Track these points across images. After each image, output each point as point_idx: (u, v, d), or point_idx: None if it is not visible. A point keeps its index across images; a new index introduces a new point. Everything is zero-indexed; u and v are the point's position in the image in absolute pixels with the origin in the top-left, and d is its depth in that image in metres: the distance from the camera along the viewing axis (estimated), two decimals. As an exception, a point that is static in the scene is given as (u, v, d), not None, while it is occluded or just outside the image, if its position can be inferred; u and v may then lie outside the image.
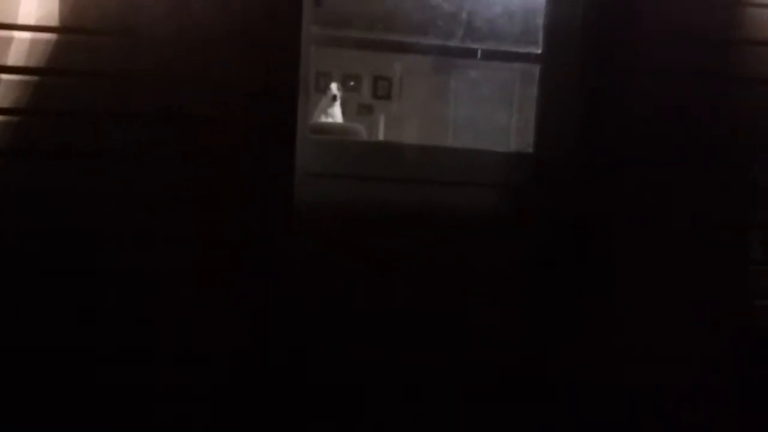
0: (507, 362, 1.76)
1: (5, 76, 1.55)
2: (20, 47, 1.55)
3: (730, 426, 1.78)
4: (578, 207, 1.72)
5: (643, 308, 1.75)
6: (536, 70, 1.86)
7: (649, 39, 1.71)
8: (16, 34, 1.56)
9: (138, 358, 1.63)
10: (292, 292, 1.65)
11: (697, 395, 1.78)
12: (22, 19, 1.55)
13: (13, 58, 1.55)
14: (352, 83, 5.85)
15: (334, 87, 4.44)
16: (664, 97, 1.73)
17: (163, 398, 1.65)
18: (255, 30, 1.60)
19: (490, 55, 2.20)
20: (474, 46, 2.11)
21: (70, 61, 1.57)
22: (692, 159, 1.75)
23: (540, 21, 1.83)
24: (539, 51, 1.83)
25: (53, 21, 1.56)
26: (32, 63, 1.56)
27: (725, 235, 1.77)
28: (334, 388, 1.73)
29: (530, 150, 1.86)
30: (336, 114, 4.48)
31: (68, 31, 1.56)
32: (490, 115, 5.23)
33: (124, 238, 1.61)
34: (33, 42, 1.56)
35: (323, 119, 4.36)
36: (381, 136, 5.79)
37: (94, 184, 1.59)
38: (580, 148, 1.72)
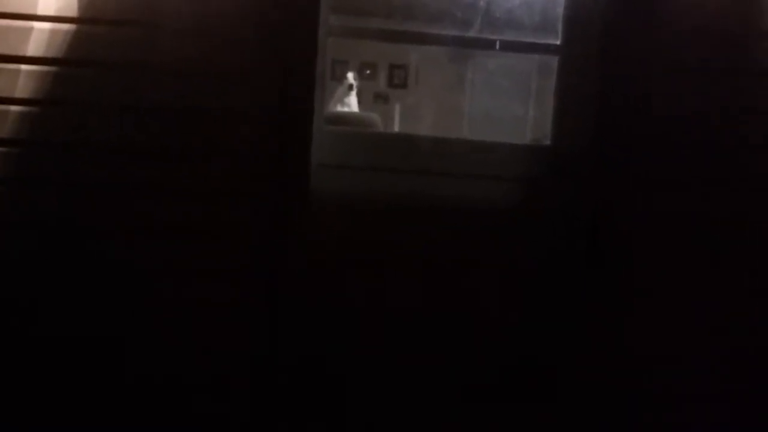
0: (512, 361, 1.75)
1: (24, 67, 1.56)
2: (40, 38, 1.56)
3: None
4: (594, 202, 1.70)
5: (654, 311, 1.72)
6: (554, 61, 1.84)
7: (670, 32, 1.68)
8: (36, 24, 1.56)
9: (142, 354, 1.64)
10: (304, 286, 1.65)
11: (708, 401, 1.75)
12: (42, 10, 1.56)
13: (33, 49, 1.56)
14: (368, 71, 5.83)
15: (350, 77, 4.44)
16: (686, 91, 1.70)
17: (169, 395, 1.66)
18: (272, 21, 1.59)
19: (507, 46, 2.18)
20: (492, 36, 2.09)
21: (89, 52, 1.57)
22: (715, 156, 1.71)
23: (559, 11, 1.81)
24: (558, 42, 1.81)
25: (72, 12, 1.56)
26: (51, 54, 1.56)
27: (748, 238, 1.73)
28: (340, 386, 1.72)
29: (548, 142, 1.84)
30: (352, 103, 4.48)
31: (87, 21, 1.57)
32: (507, 106, 5.19)
33: (139, 232, 1.62)
34: (52, 32, 1.56)
35: (339, 108, 4.36)
36: (396, 126, 5.77)
37: (111, 176, 1.60)
38: (598, 140, 1.70)
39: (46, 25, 1.56)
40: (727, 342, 1.74)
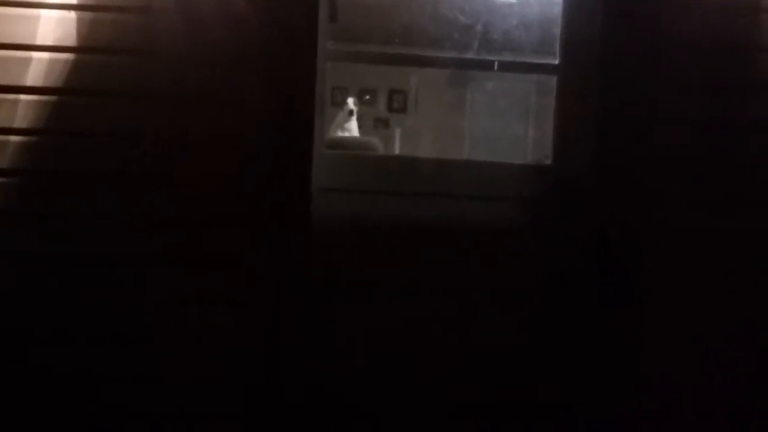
0: (520, 380, 1.72)
1: (24, 97, 1.56)
2: (38, 67, 1.56)
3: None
4: (599, 221, 1.69)
5: (665, 326, 1.70)
6: (553, 80, 1.84)
7: (668, 48, 1.69)
8: (35, 54, 1.57)
9: (148, 381, 1.62)
10: (307, 310, 1.63)
11: (722, 420, 1.72)
12: (41, 40, 1.57)
13: (32, 79, 1.56)
14: (367, 97, 5.85)
15: (350, 102, 4.46)
16: (686, 107, 1.70)
17: (176, 420, 1.63)
18: (271, 48, 1.59)
19: (506, 67, 2.18)
20: (490, 57, 2.10)
21: (88, 81, 1.58)
22: (719, 171, 1.71)
23: (557, 31, 1.82)
24: (556, 62, 1.81)
25: (71, 41, 1.57)
26: (50, 83, 1.57)
27: (760, 253, 1.71)
28: (347, 410, 1.70)
29: (548, 162, 1.83)
30: (352, 128, 4.50)
31: (85, 51, 1.57)
32: (506, 127, 5.20)
33: (139, 260, 1.61)
34: (51, 62, 1.57)
35: (339, 134, 4.37)
36: (397, 150, 5.79)
37: (112, 205, 1.60)
38: (599, 158, 1.70)
39: (44, 55, 1.57)
40: (744, 360, 1.71)
